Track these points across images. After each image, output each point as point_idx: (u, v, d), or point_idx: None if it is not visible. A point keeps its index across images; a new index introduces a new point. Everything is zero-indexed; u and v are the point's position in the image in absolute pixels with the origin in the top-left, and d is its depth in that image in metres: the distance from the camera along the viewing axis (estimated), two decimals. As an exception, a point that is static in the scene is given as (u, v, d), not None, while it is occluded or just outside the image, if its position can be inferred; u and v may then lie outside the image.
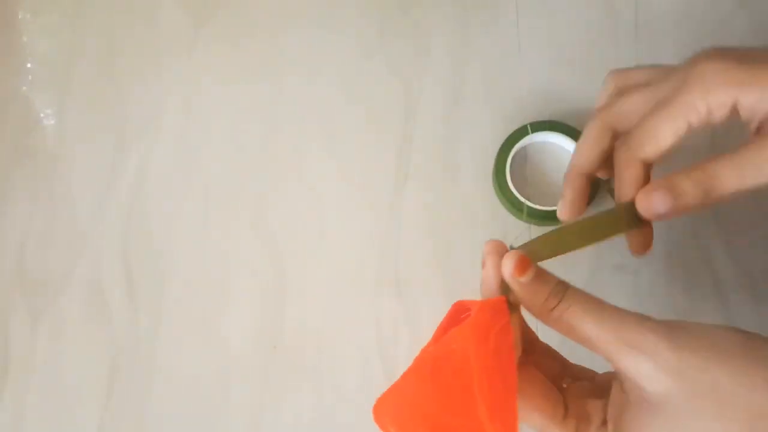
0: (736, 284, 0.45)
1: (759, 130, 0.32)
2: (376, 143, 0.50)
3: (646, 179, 0.34)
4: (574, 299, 0.29)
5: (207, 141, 0.51)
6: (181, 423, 0.46)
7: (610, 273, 0.46)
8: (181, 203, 0.49)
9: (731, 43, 0.34)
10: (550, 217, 0.46)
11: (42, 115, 0.52)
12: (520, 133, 0.48)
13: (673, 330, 0.27)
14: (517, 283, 0.30)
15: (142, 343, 0.47)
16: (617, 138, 0.36)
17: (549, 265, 0.32)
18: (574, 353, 0.34)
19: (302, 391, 0.45)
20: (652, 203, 0.32)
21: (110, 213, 0.49)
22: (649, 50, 0.50)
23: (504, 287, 0.31)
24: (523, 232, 0.47)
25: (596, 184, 0.44)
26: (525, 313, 0.33)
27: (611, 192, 0.46)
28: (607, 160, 0.37)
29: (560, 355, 0.35)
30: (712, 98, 0.31)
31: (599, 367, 0.33)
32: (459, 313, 0.32)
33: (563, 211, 0.39)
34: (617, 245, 0.46)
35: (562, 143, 0.48)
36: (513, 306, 0.31)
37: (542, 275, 0.30)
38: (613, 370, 0.30)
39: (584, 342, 0.29)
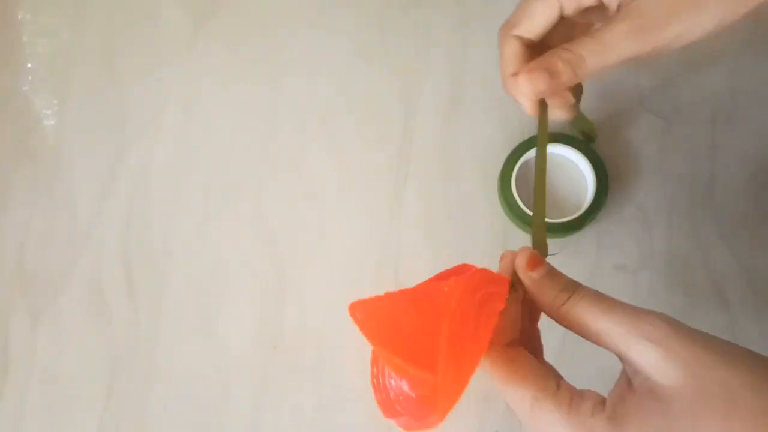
0: (736, 284, 0.45)
1: (619, 9, 0.35)
2: (376, 143, 0.50)
3: (528, 57, 0.37)
4: (585, 295, 0.30)
5: (207, 141, 0.51)
6: (181, 423, 0.46)
7: (610, 273, 0.46)
8: (181, 203, 0.50)
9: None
10: (558, 229, 0.45)
11: (42, 115, 0.52)
12: (525, 145, 0.47)
13: (685, 325, 0.28)
14: (529, 279, 0.31)
15: (142, 343, 0.47)
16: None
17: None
18: (573, 356, 0.34)
19: (302, 391, 0.45)
20: (534, 83, 0.35)
21: (110, 213, 0.49)
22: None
23: (516, 281, 0.32)
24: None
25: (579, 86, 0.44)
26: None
27: (582, 134, 0.47)
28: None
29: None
30: None
31: (599, 369, 0.33)
32: (462, 269, 0.33)
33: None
34: (617, 245, 0.46)
35: (568, 155, 0.47)
36: (515, 289, 0.31)
37: (554, 273, 0.31)
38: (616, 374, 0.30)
39: (594, 336, 0.29)
